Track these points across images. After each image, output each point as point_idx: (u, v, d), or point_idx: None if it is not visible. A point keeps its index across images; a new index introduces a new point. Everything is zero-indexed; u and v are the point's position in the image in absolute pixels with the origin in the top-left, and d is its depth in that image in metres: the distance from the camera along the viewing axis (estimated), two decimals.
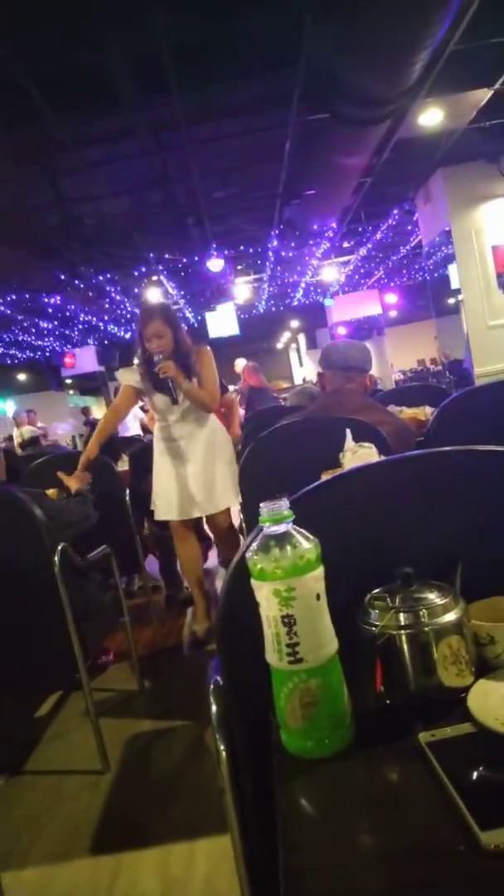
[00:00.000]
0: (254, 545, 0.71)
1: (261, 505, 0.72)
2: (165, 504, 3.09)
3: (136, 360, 3.08)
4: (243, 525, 2.45)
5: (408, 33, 3.54)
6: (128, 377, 3.09)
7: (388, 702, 0.74)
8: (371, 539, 0.91)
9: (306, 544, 0.69)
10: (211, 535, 3.26)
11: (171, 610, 3.79)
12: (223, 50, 4.35)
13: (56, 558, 2.07)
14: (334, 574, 0.73)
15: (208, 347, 3.10)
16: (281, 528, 0.70)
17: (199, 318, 13.24)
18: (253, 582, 0.70)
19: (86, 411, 14.05)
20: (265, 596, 0.69)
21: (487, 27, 3.97)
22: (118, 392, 3.22)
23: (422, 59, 3.74)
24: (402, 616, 0.74)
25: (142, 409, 6.45)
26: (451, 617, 0.74)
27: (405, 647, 0.73)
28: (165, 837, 1.83)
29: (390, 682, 0.73)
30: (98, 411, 16.02)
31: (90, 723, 2.24)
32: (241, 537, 3.15)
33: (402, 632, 0.73)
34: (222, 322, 12.41)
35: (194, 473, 3.06)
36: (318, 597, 0.69)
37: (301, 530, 0.71)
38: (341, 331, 13.13)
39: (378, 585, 0.81)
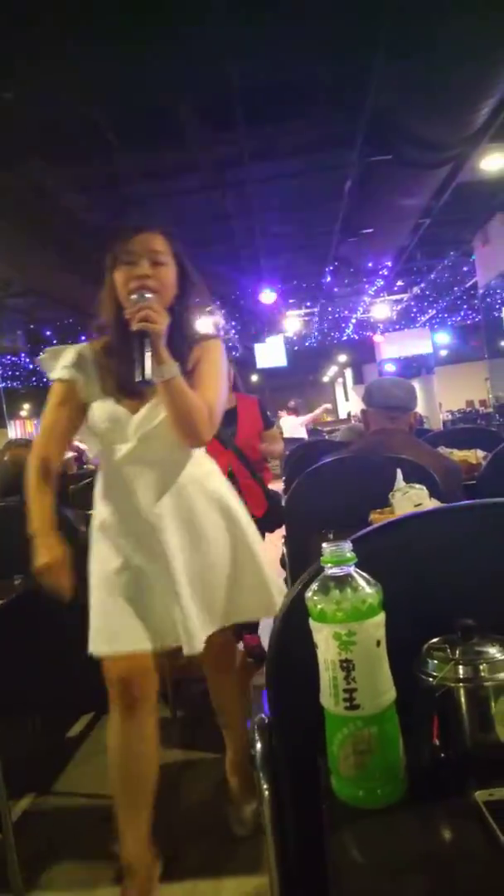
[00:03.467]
0: (314, 585, 0.71)
1: (323, 545, 0.71)
2: (118, 627, 1.59)
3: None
4: (286, 558, 2.44)
5: (474, 81, 3.60)
6: (55, 362, 1.64)
7: (442, 755, 0.72)
8: (428, 587, 0.90)
9: (369, 589, 0.69)
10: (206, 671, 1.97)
11: None
12: (290, 91, 4.48)
13: None
14: (389, 620, 0.72)
15: (220, 341, 1.72)
16: (343, 571, 0.69)
17: (249, 348, 13.41)
18: (312, 623, 0.70)
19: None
20: (324, 638, 0.68)
21: None
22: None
23: (487, 105, 3.78)
24: (461, 669, 0.72)
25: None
26: None
27: (463, 701, 0.72)
28: (191, 873, 1.79)
29: (446, 736, 0.72)
30: None
31: None
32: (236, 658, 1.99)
33: (461, 685, 0.72)
34: (271, 353, 12.56)
35: (173, 568, 1.58)
36: (378, 643, 0.68)
37: (363, 574, 0.70)
38: (390, 367, 13.11)
39: (433, 636, 0.80)
